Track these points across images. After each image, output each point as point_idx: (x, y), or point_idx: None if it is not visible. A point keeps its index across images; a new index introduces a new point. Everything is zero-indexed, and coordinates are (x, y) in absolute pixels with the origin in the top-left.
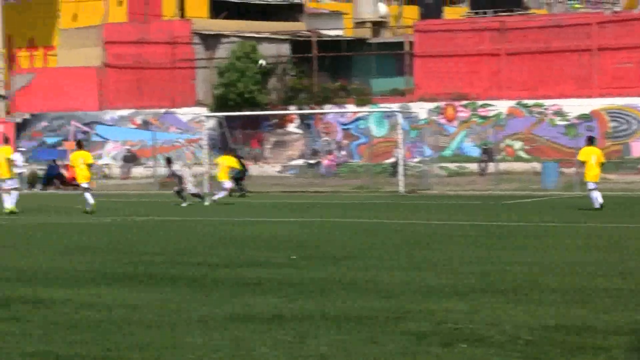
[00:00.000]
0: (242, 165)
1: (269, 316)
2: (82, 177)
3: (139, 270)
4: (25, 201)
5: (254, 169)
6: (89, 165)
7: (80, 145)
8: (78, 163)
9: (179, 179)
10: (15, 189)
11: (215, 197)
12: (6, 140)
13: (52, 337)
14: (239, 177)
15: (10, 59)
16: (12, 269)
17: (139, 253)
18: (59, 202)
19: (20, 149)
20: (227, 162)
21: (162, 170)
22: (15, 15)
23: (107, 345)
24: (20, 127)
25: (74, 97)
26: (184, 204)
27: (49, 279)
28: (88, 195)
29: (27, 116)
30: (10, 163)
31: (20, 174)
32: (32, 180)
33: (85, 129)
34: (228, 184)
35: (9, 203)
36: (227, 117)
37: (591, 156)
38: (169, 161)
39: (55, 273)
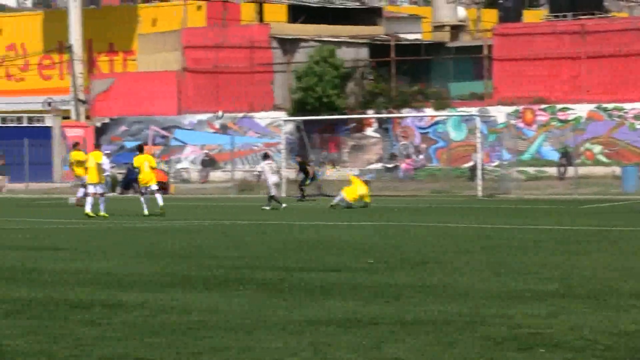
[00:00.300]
0: (305, 170)
1: (345, 320)
2: (148, 179)
3: (216, 274)
4: (106, 205)
5: (332, 173)
6: (152, 168)
7: (141, 149)
8: (143, 167)
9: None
10: (102, 194)
11: (335, 200)
12: (75, 145)
13: (130, 341)
14: (303, 182)
15: (91, 64)
16: (91, 273)
17: (216, 257)
18: (137, 206)
19: (106, 151)
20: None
21: (239, 174)
22: (95, 20)
23: (184, 349)
24: (100, 132)
25: (153, 101)
26: (265, 207)
27: (127, 282)
28: (158, 196)
29: (106, 120)
30: (100, 168)
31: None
32: (111, 184)
33: (164, 133)
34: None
35: (90, 207)
36: (305, 121)
37: None
38: (265, 156)
39: (133, 277)
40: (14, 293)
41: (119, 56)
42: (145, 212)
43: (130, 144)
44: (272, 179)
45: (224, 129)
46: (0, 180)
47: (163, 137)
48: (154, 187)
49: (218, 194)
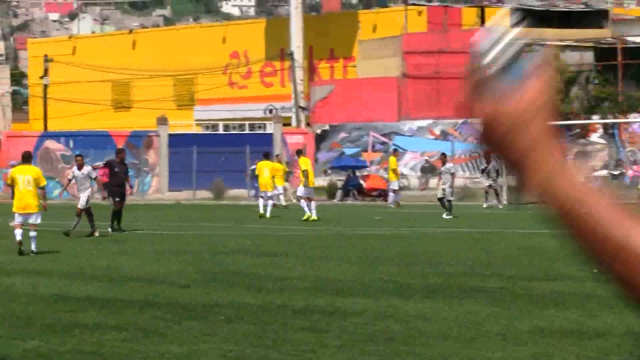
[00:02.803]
0: None
1: (569, 331)
2: (267, 185)
3: (435, 282)
4: (325, 211)
5: None
6: (273, 177)
7: (266, 155)
8: (262, 172)
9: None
10: (309, 199)
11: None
12: (299, 153)
13: (349, 349)
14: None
15: (311, 71)
16: (310, 278)
17: (434, 264)
18: (357, 213)
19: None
20: None
21: (460, 181)
22: (316, 27)
23: (403, 357)
24: (320, 138)
25: (373, 107)
26: (445, 215)
27: (345, 288)
28: (304, 204)
29: (326, 127)
30: (306, 174)
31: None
32: (331, 191)
33: (384, 139)
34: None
35: (311, 210)
36: None
37: None
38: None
39: (352, 283)
40: (237, 298)
41: (339, 62)
42: (262, 212)
43: (349, 151)
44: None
45: (444, 135)
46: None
47: (382, 143)
48: (269, 193)
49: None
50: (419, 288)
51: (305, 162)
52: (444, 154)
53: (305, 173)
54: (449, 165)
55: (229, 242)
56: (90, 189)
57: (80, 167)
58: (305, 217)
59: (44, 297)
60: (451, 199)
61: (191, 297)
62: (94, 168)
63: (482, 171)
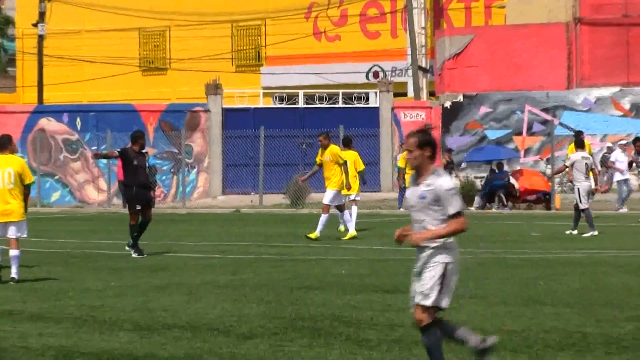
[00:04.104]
0: None
1: None
2: (336, 184)
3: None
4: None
5: None
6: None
7: (347, 142)
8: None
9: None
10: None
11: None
12: (347, 143)
13: None
14: None
15: (437, 14)
16: None
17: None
18: (506, 226)
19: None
20: None
21: None
22: None
23: None
24: (449, 114)
25: (530, 69)
26: None
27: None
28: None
29: (458, 98)
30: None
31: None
32: (466, 194)
33: (546, 116)
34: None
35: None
36: None
37: None
38: None
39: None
40: (328, 355)
41: (478, 2)
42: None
43: (494, 134)
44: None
45: (637, 111)
46: None
47: (544, 122)
48: (352, 196)
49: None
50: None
51: (352, 157)
52: (638, 139)
53: (344, 169)
54: None
55: (314, 270)
56: None
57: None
58: (347, 235)
59: (37, 355)
60: None
61: (258, 352)
62: (96, 156)
63: None
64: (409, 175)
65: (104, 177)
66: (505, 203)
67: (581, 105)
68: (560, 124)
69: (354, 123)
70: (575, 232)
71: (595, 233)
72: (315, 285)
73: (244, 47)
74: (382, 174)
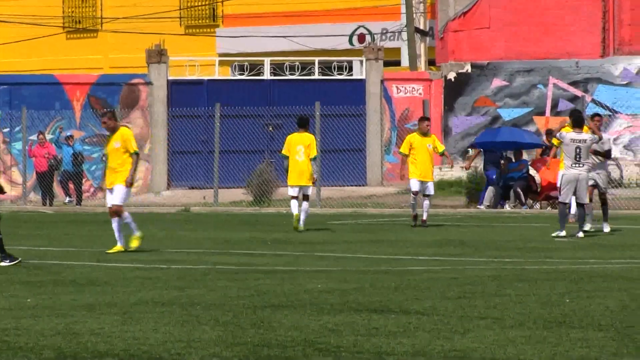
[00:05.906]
0: None
1: None
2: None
3: None
4: (467, 227)
5: None
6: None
7: (303, 124)
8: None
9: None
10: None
11: None
12: (302, 123)
13: None
14: None
15: None
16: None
17: None
18: (526, 231)
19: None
20: None
21: None
22: None
23: None
24: (454, 89)
25: (555, 33)
26: None
27: None
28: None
29: (465, 69)
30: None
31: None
32: (474, 189)
33: (575, 91)
34: None
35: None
36: None
37: None
38: None
39: None
40: None
41: None
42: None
43: (510, 113)
44: None
45: None
46: None
47: (572, 99)
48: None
49: None
50: None
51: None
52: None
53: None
54: None
55: (283, 285)
56: None
57: None
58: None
59: None
60: None
61: None
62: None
63: None
64: (414, 165)
65: (18, 167)
66: (524, 200)
67: (619, 77)
68: (593, 100)
69: (333, 99)
70: (581, 234)
71: (562, 234)
72: (284, 304)
73: (196, 3)
74: (369, 163)
